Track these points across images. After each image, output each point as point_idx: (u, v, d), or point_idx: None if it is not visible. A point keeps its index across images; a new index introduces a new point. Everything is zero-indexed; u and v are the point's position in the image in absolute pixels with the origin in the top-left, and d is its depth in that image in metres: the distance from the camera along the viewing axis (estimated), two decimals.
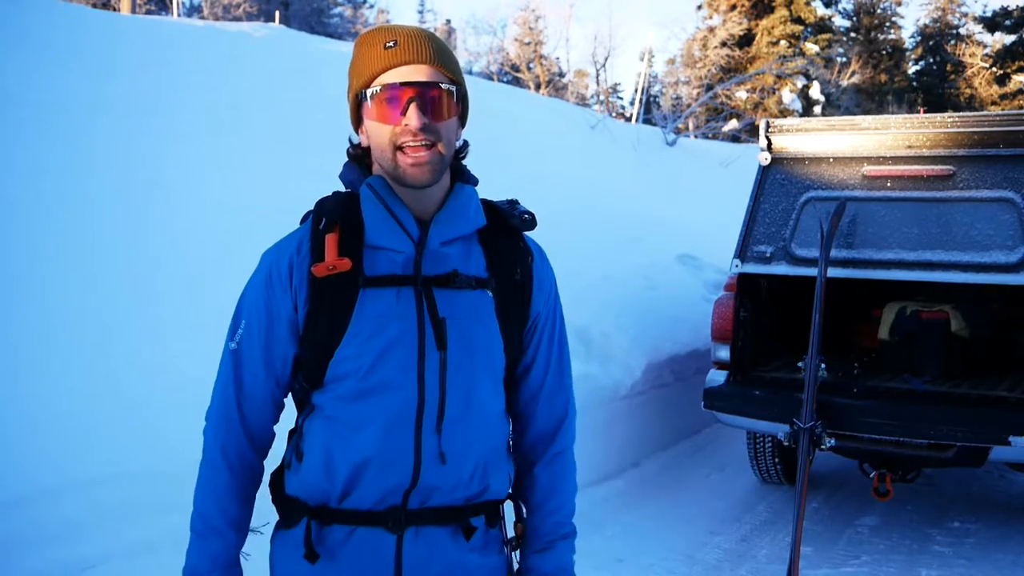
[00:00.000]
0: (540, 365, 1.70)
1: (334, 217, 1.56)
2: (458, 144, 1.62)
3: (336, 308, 1.52)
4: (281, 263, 1.57)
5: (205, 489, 1.62)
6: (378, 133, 1.52)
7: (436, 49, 1.53)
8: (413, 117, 1.48)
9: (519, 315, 1.64)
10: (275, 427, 1.68)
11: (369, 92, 1.52)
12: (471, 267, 1.59)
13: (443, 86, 1.52)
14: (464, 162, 1.67)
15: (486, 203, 1.66)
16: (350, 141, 1.64)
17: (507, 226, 1.65)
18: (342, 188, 1.66)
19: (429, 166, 1.51)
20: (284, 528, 1.62)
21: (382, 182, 1.56)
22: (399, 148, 1.50)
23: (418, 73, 1.50)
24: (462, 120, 1.61)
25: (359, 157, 1.63)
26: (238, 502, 1.62)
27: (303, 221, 1.63)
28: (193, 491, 1.63)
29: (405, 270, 1.54)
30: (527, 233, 1.70)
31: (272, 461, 1.71)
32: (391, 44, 1.51)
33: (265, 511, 1.70)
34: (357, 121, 1.60)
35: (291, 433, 1.65)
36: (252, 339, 1.58)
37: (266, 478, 1.69)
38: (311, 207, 1.65)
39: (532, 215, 1.67)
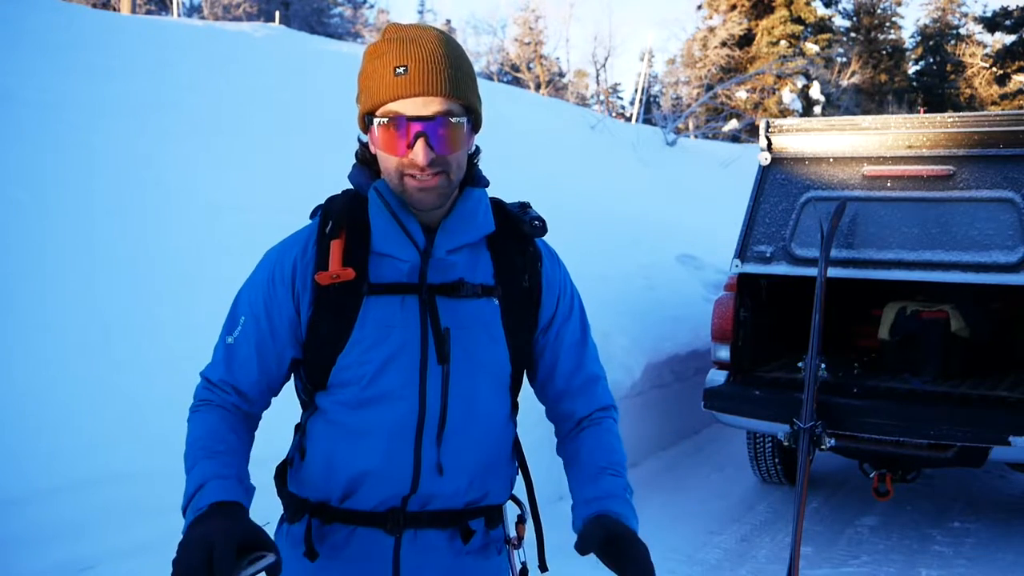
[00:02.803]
0: (564, 366, 1.68)
1: (341, 221, 1.53)
2: (470, 151, 1.57)
3: (339, 315, 1.51)
4: (285, 264, 1.55)
5: (195, 430, 1.53)
6: (385, 159, 1.49)
7: (451, 76, 1.45)
8: (420, 153, 1.43)
9: (527, 321, 1.62)
10: (273, 419, 1.67)
11: (376, 121, 1.46)
12: (478, 275, 1.56)
13: (454, 120, 1.45)
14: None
15: (497, 205, 1.63)
16: (360, 141, 1.60)
17: (517, 231, 1.61)
18: (347, 186, 1.62)
19: (436, 191, 1.48)
20: (288, 523, 1.62)
21: (389, 188, 1.53)
22: (405, 175, 1.47)
23: (428, 106, 1.43)
24: (475, 128, 1.56)
25: (367, 161, 1.58)
26: (235, 430, 1.54)
27: (312, 216, 1.61)
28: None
29: (410, 278, 1.52)
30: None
31: (275, 456, 1.71)
32: (401, 70, 1.43)
33: (267, 510, 1.70)
34: (365, 129, 1.55)
35: (296, 428, 1.65)
36: (249, 337, 1.55)
37: (271, 471, 1.68)
38: (312, 207, 1.64)
39: (543, 221, 1.63)
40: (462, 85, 1.47)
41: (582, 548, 1.45)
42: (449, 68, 1.45)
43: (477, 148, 1.61)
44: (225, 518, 1.34)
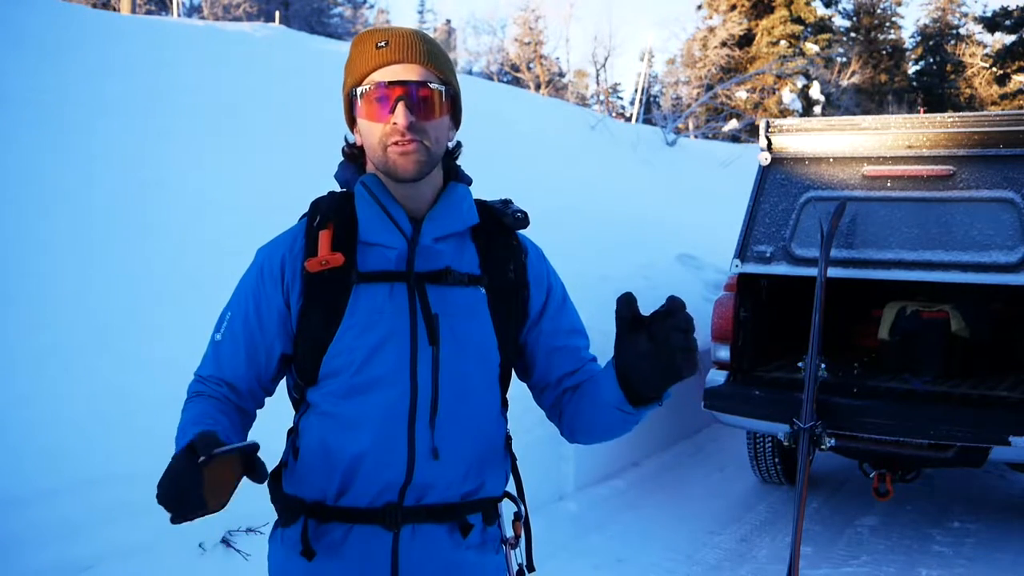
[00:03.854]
0: (565, 352, 1.69)
1: (328, 215, 1.58)
2: (451, 145, 1.63)
3: (329, 302, 1.53)
4: (274, 259, 1.58)
5: (184, 416, 1.55)
6: (368, 131, 1.54)
7: (427, 49, 1.54)
8: (400, 115, 1.49)
9: (515, 313, 1.64)
10: (267, 420, 1.69)
11: (359, 90, 1.54)
12: (464, 264, 1.60)
13: (432, 85, 1.52)
14: (459, 162, 1.68)
15: (479, 203, 1.67)
16: (346, 140, 1.66)
17: (500, 224, 1.65)
18: (338, 188, 1.67)
19: (416, 156, 1.52)
20: (282, 526, 1.62)
21: (376, 180, 1.58)
22: (388, 145, 1.52)
23: (407, 72, 1.51)
24: (456, 121, 1.62)
25: (354, 156, 1.64)
26: (226, 414, 1.56)
27: (300, 220, 1.65)
28: None
29: (398, 266, 1.55)
30: (524, 233, 1.70)
31: (270, 460, 1.71)
32: (382, 44, 1.53)
33: (265, 511, 1.70)
34: (351, 120, 1.61)
35: (289, 432, 1.66)
36: (237, 332, 1.59)
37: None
38: (309, 207, 1.66)
39: (525, 213, 1.67)
40: (438, 58, 1.56)
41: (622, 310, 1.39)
42: (425, 44, 1.55)
43: (458, 143, 1.66)
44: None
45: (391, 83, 1.50)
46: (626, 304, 1.40)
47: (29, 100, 5.46)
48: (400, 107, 1.49)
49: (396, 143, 1.51)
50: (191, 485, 1.27)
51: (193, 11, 26.98)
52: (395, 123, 1.49)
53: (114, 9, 19.86)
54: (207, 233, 4.87)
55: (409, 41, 1.53)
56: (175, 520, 1.30)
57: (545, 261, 1.73)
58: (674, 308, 1.36)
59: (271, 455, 1.73)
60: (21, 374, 3.42)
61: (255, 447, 1.35)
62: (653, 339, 1.36)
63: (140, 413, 3.43)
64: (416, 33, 1.56)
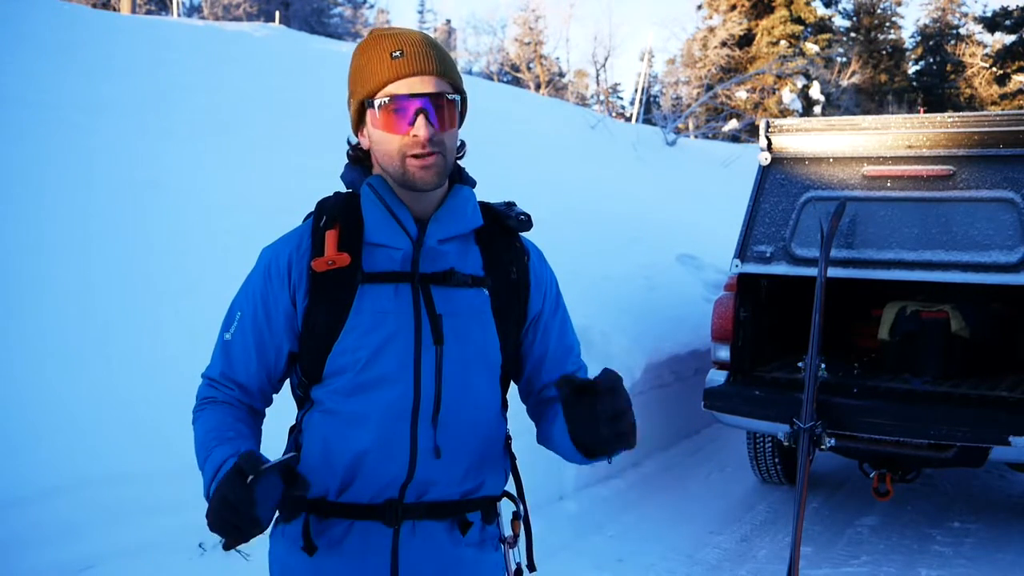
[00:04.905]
0: (552, 359, 1.72)
1: (334, 215, 1.59)
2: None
3: (335, 302, 1.55)
4: (281, 258, 1.59)
5: (203, 426, 1.57)
6: (385, 142, 1.54)
7: (440, 59, 1.55)
8: (421, 129, 1.50)
9: (516, 314, 1.66)
10: (268, 419, 1.69)
11: (376, 102, 1.53)
12: (468, 266, 1.61)
13: (449, 97, 1.54)
14: (462, 163, 1.69)
15: (483, 205, 1.68)
16: (349, 143, 1.66)
17: (504, 227, 1.67)
18: (343, 188, 1.67)
19: (436, 169, 1.53)
20: (283, 523, 1.63)
21: (382, 182, 1.58)
22: (407, 156, 1.52)
23: (425, 84, 1.52)
24: (462, 116, 1.62)
25: (359, 159, 1.65)
26: (243, 421, 1.59)
27: (305, 220, 1.66)
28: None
29: (403, 267, 1.56)
30: (526, 235, 1.72)
31: (270, 457, 1.71)
32: (398, 54, 1.52)
33: None
34: (357, 124, 1.61)
35: (291, 429, 1.67)
36: (247, 331, 1.60)
37: None
38: (312, 207, 1.67)
39: (528, 216, 1.69)
40: (450, 67, 1.57)
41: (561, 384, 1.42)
42: (436, 51, 1.56)
43: (462, 143, 1.66)
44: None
45: (411, 95, 1.51)
46: (564, 385, 1.40)
47: (29, 100, 5.46)
48: (421, 120, 1.50)
49: (416, 156, 1.51)
50: (246, 507, 1.31)
51: (193, 11, 26.98)
52: (415, 136, 1.50)
53: (114, 9, 19.85)
54: (207, 233, 4.87)
55: (423, 51, 1.53)
56: (230, 545, 1.34)
57: (546, 264, 1.75)
58: (613, 387, 1.37)
59: (271, 452, 1.73)
60: (21, 374, 3.42)
61: (296, 460, 1.38)
62: (595, 415, 1.37)
63: (140, 413, 3.43)
64: (427, 40, 1.56)
